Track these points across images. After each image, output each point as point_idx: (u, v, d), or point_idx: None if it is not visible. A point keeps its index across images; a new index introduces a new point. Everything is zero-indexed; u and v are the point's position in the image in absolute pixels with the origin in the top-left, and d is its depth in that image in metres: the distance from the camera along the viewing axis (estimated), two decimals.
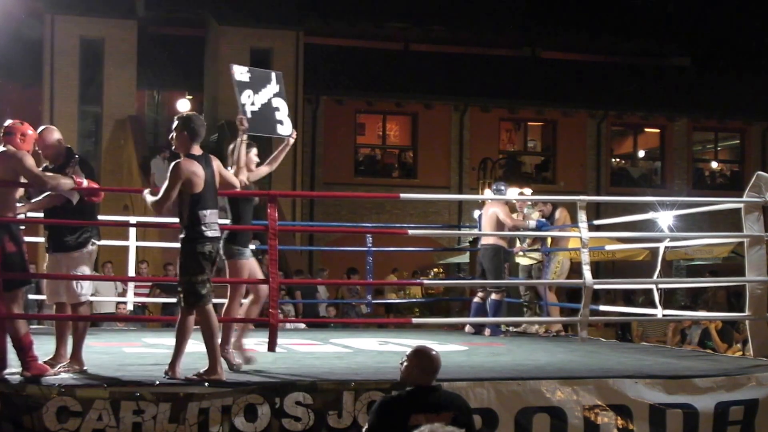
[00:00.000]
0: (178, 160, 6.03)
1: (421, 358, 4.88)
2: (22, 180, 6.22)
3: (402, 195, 8.96)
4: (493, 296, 10.37)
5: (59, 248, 6.42)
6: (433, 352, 4.94)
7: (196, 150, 6.06)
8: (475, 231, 10.75)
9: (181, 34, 26.11)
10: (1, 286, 5.98)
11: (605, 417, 6.21)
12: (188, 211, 5.98)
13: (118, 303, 12.51)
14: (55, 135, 6.58)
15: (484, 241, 10.49)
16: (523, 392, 6.14)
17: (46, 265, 6.52)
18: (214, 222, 6.05)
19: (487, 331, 10.35)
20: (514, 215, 10.67)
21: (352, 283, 14.92)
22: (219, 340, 6.09)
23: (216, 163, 6.20)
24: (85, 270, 6.53)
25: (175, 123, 6.14)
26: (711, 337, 11.44)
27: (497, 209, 10.26)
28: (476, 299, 10.60)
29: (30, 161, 6.16)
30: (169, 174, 5.98)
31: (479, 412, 5.90)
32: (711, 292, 16.64)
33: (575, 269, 10.58)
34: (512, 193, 10.44)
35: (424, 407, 4.71)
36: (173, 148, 6.20)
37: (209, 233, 5.99)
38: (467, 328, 10.64)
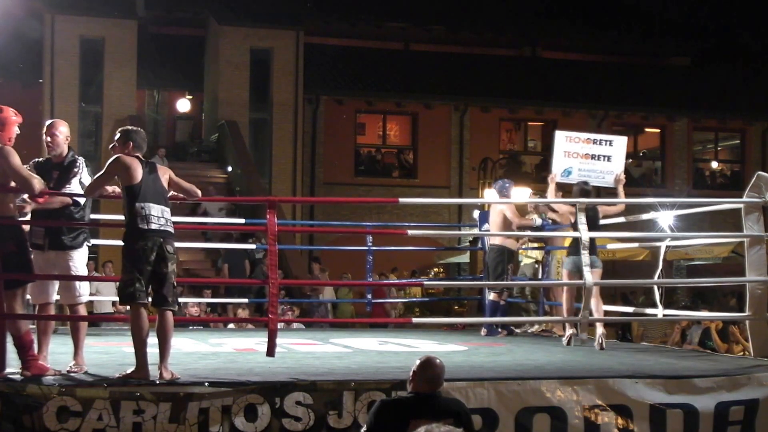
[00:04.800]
0: (118, 155, 6.17)
1: (426, 369, 4.96)
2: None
3: (401, 200, 8.96)
4: (491, 296, 10.35)
5: (55, 246, 6.37)
6: (437, 361, 4.99)
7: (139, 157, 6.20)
8: (475, 231, 10.75)
9: (181, 34, 26.10)
10: (2, 285, 5.96)
11: (605, 417, 6.21)
12: (128, 205, 6.06)
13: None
14: (67, 129, 6.53)
15: (490, 240, 10.46)
16: (523, 392, 6.14)
17: (35, 262, 6.33)
18: (156, 215, 6.04)
19: (483, 331, 10.33)
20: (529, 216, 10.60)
21: (352, 284, 14.92)
22: (145, 342, 6.01)
23: (165, 172, 6.31)
24: (84, 270, 6.52)
25: (118, 135, 6.26)
26: (711, 337, 11.44)
27: (504, 207, 10.18)
28: (491, 297, 10.54)
29: (16, 161, 6.00)
30: (108, 164, 6.15)
31: (479, 412, 5.90)
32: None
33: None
34: (517, 191, 10.47)
35: (424, 413, 4.75)
36: (113, 150, 6.29)
37: (150, 226, 6.00)
38: (482, 331, 10.42)
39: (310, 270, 17.06)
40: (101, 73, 22.78)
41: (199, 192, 6.62)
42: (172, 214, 6.27)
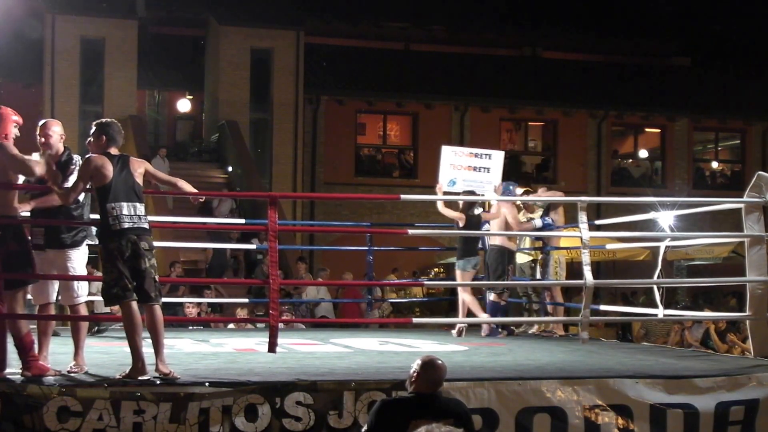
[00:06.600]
0: (88, 155, 6.17)
1: (428, 370, 4.97)
2: (19, 179, 6.12)
3: (403, 196, 8.97)
4: (491, 297, 10.34)
5: (54, 245, 6.37)
6: (439, 362, 5.00)
7: (113, 152, 6.18)
8: (475, 231, 10.73)
9: (181, 34, 26.10)
10: (2, 285, 5.95)
11: (606, 417, 6.21)
12: (99, 206, 6.07)
13: None
14: (60, 128, 6.51)
15: (491, 241, 10.48)
16: (523, 392, 6.13)
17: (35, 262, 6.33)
18: (128, 214, 6.02)
19: (484, 332, 10.31)
20: (520, 214, 10.66)
21: (354, 284, 14.90)
22: (140, 338, 6.00)
23: (141, 165, 6.28)
24: (83, 269, 6.51)
25: (93, 128, 6.26)
26: (712, 337, 11.46)
27: (506, 210, 10.20)
28: (491, 298, 10.53)
29: (12, 149, 6.02)
30: (80, 167, 6.18)
31: (479, 412, 5.90)
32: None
33: (576, 270, 10.57)
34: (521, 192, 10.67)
35: (424, 414, 4.75)
36: (88, 145, 6.31)
37: (122, 225, 5.98)
38: (482, 331, 10.40)
39: (311, 270, 17.05)
40: (101, 73, 22.80)
41: (182, 183, 6.56)
42: (179, 214, 6.28)
